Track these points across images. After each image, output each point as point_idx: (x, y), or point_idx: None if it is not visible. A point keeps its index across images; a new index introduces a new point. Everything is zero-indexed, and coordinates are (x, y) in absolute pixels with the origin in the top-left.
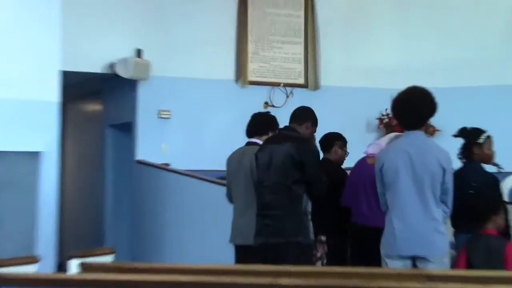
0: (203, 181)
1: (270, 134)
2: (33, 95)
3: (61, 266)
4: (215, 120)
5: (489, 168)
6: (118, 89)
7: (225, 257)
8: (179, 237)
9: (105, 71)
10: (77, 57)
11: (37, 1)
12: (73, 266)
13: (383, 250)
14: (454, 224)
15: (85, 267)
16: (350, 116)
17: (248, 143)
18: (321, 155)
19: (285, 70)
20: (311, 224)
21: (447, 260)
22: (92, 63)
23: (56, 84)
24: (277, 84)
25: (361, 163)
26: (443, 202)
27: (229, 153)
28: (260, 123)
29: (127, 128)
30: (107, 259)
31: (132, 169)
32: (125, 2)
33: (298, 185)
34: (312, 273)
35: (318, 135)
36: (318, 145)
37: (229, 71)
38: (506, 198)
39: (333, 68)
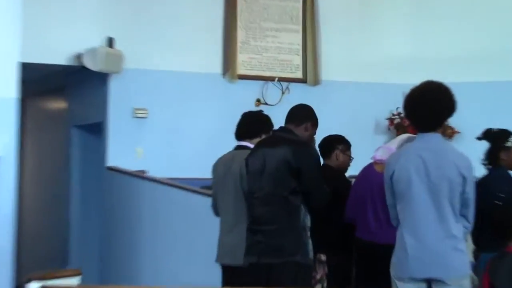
0: (185, 191)
1: (263, 137)
2: None
3: None
4: (199, 120)
5: None
6: (86, 84)
7: (211, 279)
8: (157, 256)
9: (71, 63)
10: (38, 48)
11: None
12: None
13: (393, 271)
14: (476, 242)
15: None
16: (356, 116)
17: (238, 147)
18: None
19: (280, 62)
20: (310, 241)
21: (467, 283)
22: (56, 54)
23: (14, 77)
24: (271, 79)
25: (368, 170)
26: (463, 215)
27: (215, 158)
28: (252, 124)
29: (96, 130)
30: (72, 282)
31: (102, 177)
32: None
33: (295, 195)
34: None
35: (318, 137)
36: (318, 149)
37: (215, 64)
38: None
39: (335, 60)
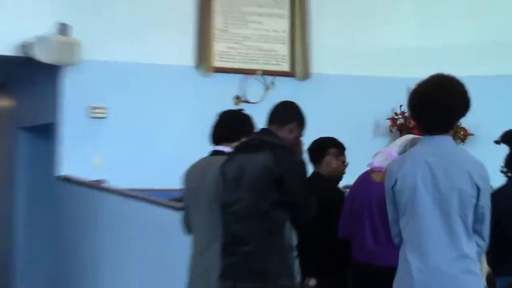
0: (151, 204)
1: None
2: None
3: None
4: (168, 121)
5: None
6: (34, 79)
7: None
8: (118, 279)
9: (16, 54)
10: None
11: None
12: None
13: None
14: (491, 263)
15: None
16: (352, 116)
17: (214, 153)
18: (311, 169)
19: (264, 52)
20: (296, 262)
21: None
22: None
23: None
24: (252, 72)
25: (365, 179)
26: (477, 232)
27: (186, 166)
28: (230, 125)
29: (46, 132)
30: None
31: (53, 188)
32: None
33: (278, 209)
34: None
35: (308, 140)
36: (307, 154)
37: (187, 55)
38: None
39: (329, 50)
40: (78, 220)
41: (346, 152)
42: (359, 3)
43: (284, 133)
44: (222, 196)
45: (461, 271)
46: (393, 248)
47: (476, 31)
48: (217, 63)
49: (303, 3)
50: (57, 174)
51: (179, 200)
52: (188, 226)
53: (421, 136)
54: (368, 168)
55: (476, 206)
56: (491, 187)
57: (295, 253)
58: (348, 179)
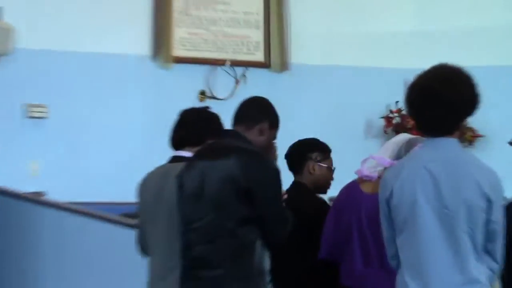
0: (99, 220)
1: None
2: None
3: None
4: (120, 121)
5: None
6: None
7: None
8: None
9: None
10: None
11: None
12: None
13: None
14: None
15: None
16: (339, 114)
17: (174, 159)
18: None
19: (234, 39)
20: None
21: None
22: None
23: None
24: (220, 63)
25: (352, 191)
26: (489, 252)
27: (141, 175)
28: (193, 126)
29: None
30: None
31: None
32: None
33: (247, 227)
34: None
35: (286, 145)
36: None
37: (142, 42)
38: None
39: (311, 36)
40: (12, 240)
41: (332, 158)
42: None
43: (254, 135)
44: (181, 212)
45: None
46: (386, 271)
47: (486, 13)
48: (178, 52)
49: None
50: None
51: (133, 215)
52: (144, 246)
53: (419, 137)
54: (356, 177)
55: (487, 222)
56: (504, 198)
57: (268, 278)
58: (335, 190)
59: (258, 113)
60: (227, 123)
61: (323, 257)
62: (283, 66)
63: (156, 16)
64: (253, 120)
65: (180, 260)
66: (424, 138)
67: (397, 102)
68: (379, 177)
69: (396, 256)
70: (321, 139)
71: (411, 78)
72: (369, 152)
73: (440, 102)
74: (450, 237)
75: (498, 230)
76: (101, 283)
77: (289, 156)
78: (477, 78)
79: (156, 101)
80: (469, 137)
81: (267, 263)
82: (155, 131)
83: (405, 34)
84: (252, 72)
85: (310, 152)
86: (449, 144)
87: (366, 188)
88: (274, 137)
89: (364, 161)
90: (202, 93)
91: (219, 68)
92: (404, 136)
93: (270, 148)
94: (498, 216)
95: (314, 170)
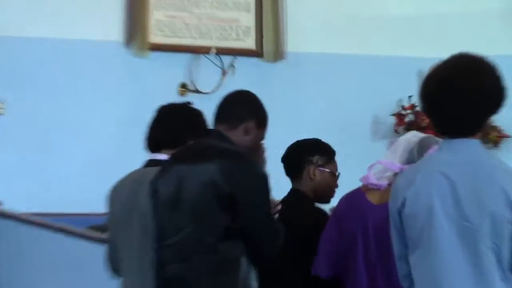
0: (63, 233)
1: None
2: None
3: None
4: (88, 119)
5: None
6: None
7: None
8: None
9: None
10: None
11: None
12: None
13: None
14: None
15: None
16: (342, 110)
17: (150, 163)
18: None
19: (221, 24)
20: None
21: None
22: None
23: None
24: (204, 50)
25: (356, 201)
26: None
27: (112, 181)
28: (172, 125)
29: None
30: None
31: None
32: None
33: (230, 241)
34: None
35: (280, 146)
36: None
37: (114, 27)
38: None
39: (309, 21)
40: None
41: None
42: None
43: (238, 136)
44: (154, 224)
45: None
46: None
47: None
48: (155, 38)
49: None
50: None
51: (102, 228)
52: (115, 265)
53: (432, 136)
54: (360, 185)
55: None
56: None
57: None
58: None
59: (244, 110)
60: (212, 120)
61: (321, 273)
62: (278, 54)
63: None
64: (238, 118)
65: (154, 282)
66: (438, 138)
67: (410, 96)
68: (389, 185)
69: (409, 276)
70: (322, 140)
71: (426, 68)
72: (377, 155)
73: (460, 97)
74: (471, 254)
75: None
76: None
77: (286, 159)
78: (503, 69)
79: (130, 96)
80: (494, 138)
81: (253, 283)
82: (128, 131)
83: (420, 18)
84: (241, 62)
85: (310, 154)
86: (471, 146)
87: (372, 198)
88: (262, 138)
89: (371, 167)
90: (183, 86)
91: (203, 57)
92: (414, 135)
93: (257, 150)
94: None
95: (315, 175)
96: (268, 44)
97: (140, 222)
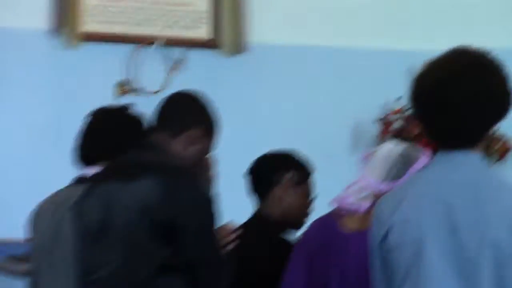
0: None
1: None
2: None
3: None
4: (6, 124)
5: None
6: None
7: None
8: None
9: None
10: None
11: None
12: None
13: None
14: None
15: None
16: (316, 115)
17: (80, 180)
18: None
19: (170, 9)
20: None
21: None
22: None
23: None
24: (148, 41)
25: (328, 230)
26: None
27: (35, 202)
28: (107, 134)
29: None
30: None
31: None
32: None
33: (171, 276)
34: None
35: (238, 156)
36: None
37: (39, 13)
38: None
39: (275, 7)
40: None
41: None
42: None
43: (180, 146)
44: (79, 256)
45: None
46: None
47: None
48: (88, 27)
49: None
50: None
51: (22, 259)
52: None
53: (417, 147)
54: (332, 208)
55: None
56: None
57: None
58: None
59: (188, 114)
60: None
61: None
62: (237, 46)
63: None
64: (181, 125)
65: None
66: (423, 149)
67: (399, 98)
68: (372, 205)
69: None
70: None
71: (418, 64)
72: (357, 169)
73: (458, 100)
74: None
75: None
76: None
77: (252, 174)
78: (508, 65)
79: (56, 96)
80: (501, 151)
81: None
82: (53, 140)
83: (408, 5)
84: (194, 55)
85: (281, 170)
86: (470, 161)
87: (350, 225)
88: (210, 149)
89: (348, 187)
90: (122, 84)
91: (146, 49)
92: (394, 146)
93: (204, 165)
94: None
95: (285, 195)
96: (226, 33)
97: (62, 254)
